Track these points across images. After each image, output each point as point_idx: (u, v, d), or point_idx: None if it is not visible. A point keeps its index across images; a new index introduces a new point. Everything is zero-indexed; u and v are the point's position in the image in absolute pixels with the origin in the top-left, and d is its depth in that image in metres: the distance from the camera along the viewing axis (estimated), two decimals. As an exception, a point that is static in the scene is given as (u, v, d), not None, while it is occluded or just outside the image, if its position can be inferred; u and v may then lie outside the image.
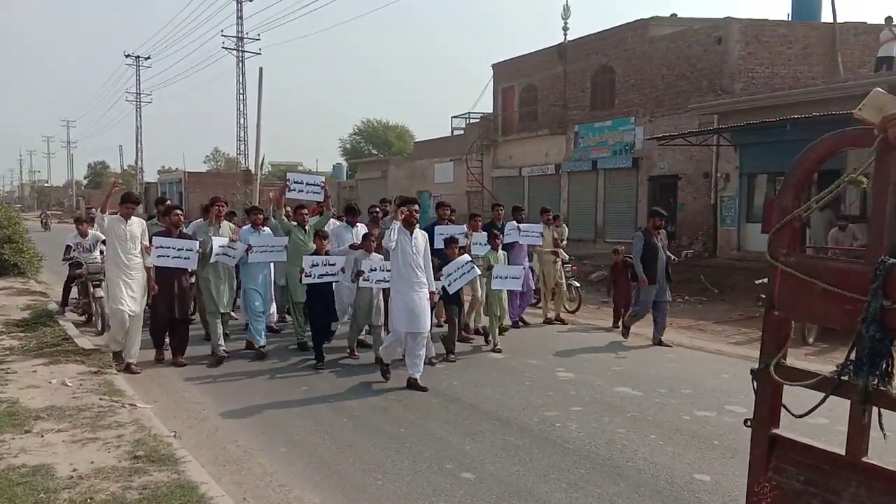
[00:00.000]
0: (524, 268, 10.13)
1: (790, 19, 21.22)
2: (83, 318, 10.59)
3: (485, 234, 9.54)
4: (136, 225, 7.69)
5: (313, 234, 8.39)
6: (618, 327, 10.27)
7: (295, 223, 8.95)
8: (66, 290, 11.03)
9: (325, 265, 7.81)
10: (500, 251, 9.42)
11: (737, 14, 20.22)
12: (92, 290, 9.90)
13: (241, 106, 49.17)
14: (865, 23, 19.97)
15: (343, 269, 7.99)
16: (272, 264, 8.85)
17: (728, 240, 18.15)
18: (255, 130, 14.14)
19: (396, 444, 5.42)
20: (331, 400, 6.70)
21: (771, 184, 17.96)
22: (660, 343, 9.37)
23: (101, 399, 6.17)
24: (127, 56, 60.59)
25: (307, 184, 8.79)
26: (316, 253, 7.94)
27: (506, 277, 9.01)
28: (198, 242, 7.97)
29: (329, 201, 9.06)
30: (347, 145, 60.03)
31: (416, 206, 7.31)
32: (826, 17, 20.59)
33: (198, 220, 8.98)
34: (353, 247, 8.65)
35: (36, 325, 9.58)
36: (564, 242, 11.46)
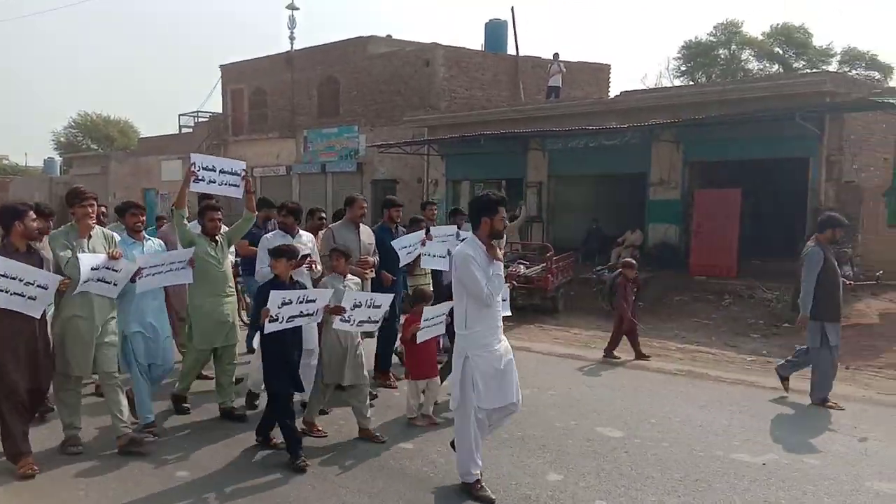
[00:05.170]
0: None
1: (484, 50, 23.41)
2: None
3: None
4: None
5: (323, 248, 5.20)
6: (613, 357, 7.88)
7: (199, 233, 5.60)
8: None
9: (301, 302, 4.64)
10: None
11: (442, 41, 21.66)
12: None
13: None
14: (540, 57, 22.80)
15: (326, 307, 4.86)
16: (163, 292, 5.45)
17: (437, 237, 19.40)
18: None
19: (108, 453, 4.81)
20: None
21: (472, 189, 19.64)
22: (824, 402, 6.07)
23: None
24: None
25: (221, 171, 5.40)
26: (292, 283, 4.87)
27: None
28: (56, 279, 4.50)
29: (253, 197, 5.60)
30: (62, 139, 52.37)
31: (499, 213, 4.20)
32: (511, 50, 23.12)
33: (58, 230, 5.04)
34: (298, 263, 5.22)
35: None
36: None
